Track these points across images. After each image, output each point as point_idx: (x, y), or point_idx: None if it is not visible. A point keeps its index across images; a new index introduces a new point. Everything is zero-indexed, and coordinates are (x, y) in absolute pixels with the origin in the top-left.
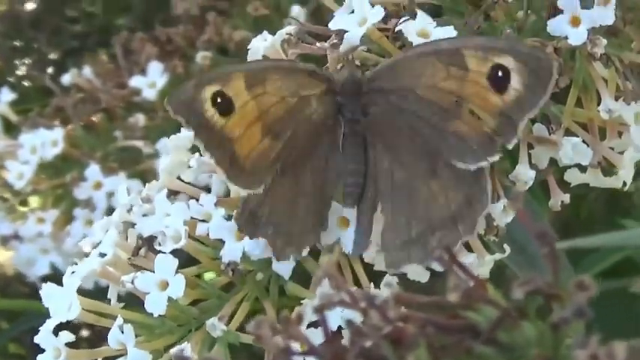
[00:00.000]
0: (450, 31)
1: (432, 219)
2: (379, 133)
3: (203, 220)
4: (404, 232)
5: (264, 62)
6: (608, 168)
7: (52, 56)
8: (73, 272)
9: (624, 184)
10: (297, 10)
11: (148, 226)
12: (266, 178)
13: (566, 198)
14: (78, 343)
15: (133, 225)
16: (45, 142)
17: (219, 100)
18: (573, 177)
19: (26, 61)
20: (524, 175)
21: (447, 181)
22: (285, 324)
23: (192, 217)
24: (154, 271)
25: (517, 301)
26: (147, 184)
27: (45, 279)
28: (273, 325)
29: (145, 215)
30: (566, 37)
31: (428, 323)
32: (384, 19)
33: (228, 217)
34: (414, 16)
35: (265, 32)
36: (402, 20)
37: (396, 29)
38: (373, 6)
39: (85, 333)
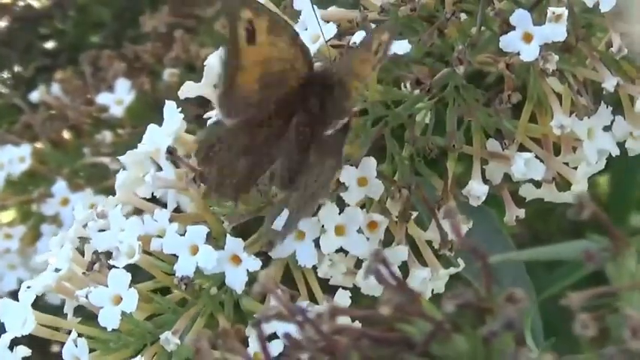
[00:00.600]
0: (404, 45)
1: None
2: (319, 130)
3: (158, 236)
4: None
5: (287, 22)
6: (563, 183)
7: (24, 73)
8: (28, 287)
9: None
10: None
11: (103, 241)
12: (239, 116)
13: (521, 213)
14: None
15: (89, 240)
16: (12, 158)
17: (248, 26)
18: (528, 192)
19: None
20: (477, 190)
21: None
22: (224, 338)
23: (146, 233)
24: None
25: (450, 314)
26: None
27: (13, 294)
28: (213, 339)
29: (101, 231)
30: (518, 53)
31: (363, 336)
32: (339, 36)
33: (182, 233)
34: (367, 32)
35: (221, 49)
36: (355, 36)
37: (350, 43)
38: (328, 22)
39: (55, 349)
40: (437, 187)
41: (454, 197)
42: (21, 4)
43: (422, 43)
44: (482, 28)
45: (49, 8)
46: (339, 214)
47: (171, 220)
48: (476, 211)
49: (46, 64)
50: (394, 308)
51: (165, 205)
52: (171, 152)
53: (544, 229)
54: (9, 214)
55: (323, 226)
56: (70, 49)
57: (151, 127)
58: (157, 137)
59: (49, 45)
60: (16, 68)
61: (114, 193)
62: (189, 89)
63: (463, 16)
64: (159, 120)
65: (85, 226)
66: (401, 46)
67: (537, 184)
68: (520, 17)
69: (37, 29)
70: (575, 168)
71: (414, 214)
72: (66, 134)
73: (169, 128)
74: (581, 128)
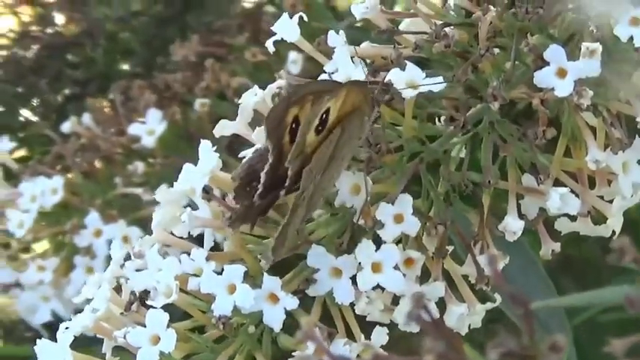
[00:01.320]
0: (439, 82)
1: None
2: None
3: (195, 275)
4: None
5: None
6: (598, 216)
7: (53, 101)
8: (66, 328)
9: (614, 232)
10: (294, 56)
11: (140, 281)
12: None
13: (557, 247)
14: None
15: (126, 279)
16: (45, 190)
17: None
18: (563, 226)
19: (28, 108)
20: (513, 225)
21: None
22: None
23: (184, 272)
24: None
25: None
26: (140, 238)
27: (47, 326)
28: None
29: (137, 270)
30: (552, 89)
31: None
32: (373, 72)
33: (219, 271)
34: (402, 69)
35: (256, 87)
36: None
37: (385, 81)
38: (364, 60)
39: None
40: (472, 222)
41: (490, 232)
42: (49, 31)
43: (456, 79)
44: (516, 63)
45: (78, 36)
46: (376, 251)
47: (208, 259)
48: (509, 242)
49: (76, 92)
50: (438, 356)
51: (202, 242)
52: (207, 191)
53: (577, 255)
54: (42, 246)
55: (360, 263)
56: (99, 77)
57: (187, 167)
58: (193, 177)
59: (79, 73)
60: (46, 97)
61: (147, 224)
62: (223, 128)
63: (496, 50)
64: (190, 150)
65: (122, 265)
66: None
67: (573, 217)
68: (554, 53)
69: (66, 57)
70: (611, 201)
71: (450, 248)
72: (98, 165)
73: (205, 168)
74: (616, 162)
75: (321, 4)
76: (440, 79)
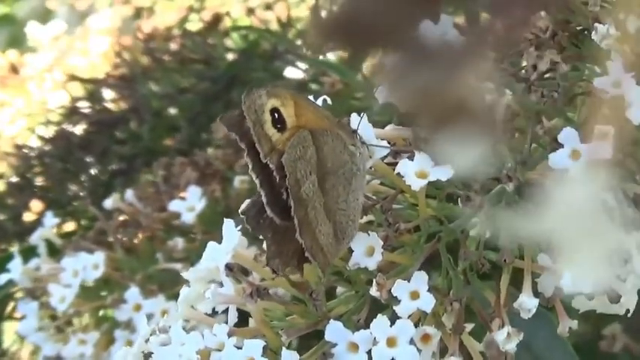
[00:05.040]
0: (447, 171)
1: None
2: None
3: (217, 349)
4: None
5: None
6: (614, 295)
7: (101, 177)
8: None
9: (627, 311)
10: None
11: (164, 355)
12: None
13: (574, 324)
14: None
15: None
16: (86, 265)
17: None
18: (581, 304)
19: (76, 183)
20: (528, 303)
21: None
22: None
23: (206, 347)
24: None
25: None
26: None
27: None
28: None
29: (163, 345)
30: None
31: None
32: (394, 154)
33: (240, 346)
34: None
35: None
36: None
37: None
38: (389, 143)
39: None
40: (489, 299)
41: (508, 309)
42: (97, 108)
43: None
44: (533, 145)
45: (126, 112)
46: (391, 326)
47: (230, 335)
48: (536, 317)
49: (122, 167)
50: None
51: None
52: (231, 269)
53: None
54: (83, 320)
55: (375, 338)
56: (145, 153)
57: (211, 245)
58: (217, 255)
59: (125, 149)
60: (94, 172)
61: None
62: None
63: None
64: None
65: (147, 340)
66: (444, 172)
67: (590, 295)
68: (568, 135)
69: (113, 133)
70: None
71: (469, 326)
72: (139, 240)
73: (228, 246)
74: (630, 242)
75: (360, 82)
76: (448, 167)
